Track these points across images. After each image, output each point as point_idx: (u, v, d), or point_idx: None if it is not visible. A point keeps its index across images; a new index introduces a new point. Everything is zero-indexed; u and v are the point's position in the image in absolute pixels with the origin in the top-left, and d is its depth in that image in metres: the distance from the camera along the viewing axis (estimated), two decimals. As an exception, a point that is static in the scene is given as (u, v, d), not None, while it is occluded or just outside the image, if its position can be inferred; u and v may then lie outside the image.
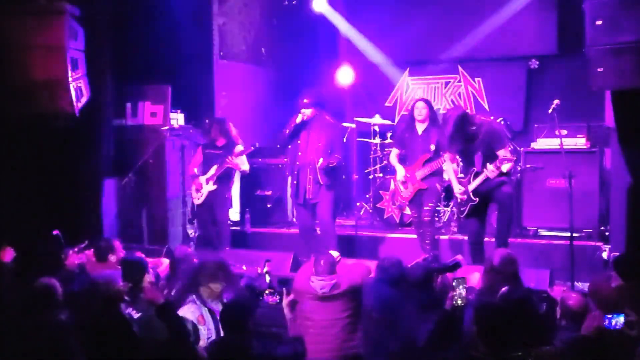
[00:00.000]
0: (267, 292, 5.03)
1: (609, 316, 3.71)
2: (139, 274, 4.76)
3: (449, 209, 7.94)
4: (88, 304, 4.33)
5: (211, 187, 7.53)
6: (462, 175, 6.54)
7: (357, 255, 7.31)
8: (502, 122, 7.96)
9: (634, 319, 3.78)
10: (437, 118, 7.03)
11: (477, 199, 6.21)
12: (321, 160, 6.88)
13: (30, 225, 6.86)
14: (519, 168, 7.32)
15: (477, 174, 6.22)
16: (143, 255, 5.39)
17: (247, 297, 4.92)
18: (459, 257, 5.05)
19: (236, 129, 7.73)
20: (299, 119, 6.97)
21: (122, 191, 7.89)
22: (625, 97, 5.68)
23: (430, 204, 6.86)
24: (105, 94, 7.60)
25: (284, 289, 4.90)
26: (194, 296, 4.68)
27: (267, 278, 5.48)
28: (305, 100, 6.96)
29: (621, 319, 3.74)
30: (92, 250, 5.82)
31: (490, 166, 6.03)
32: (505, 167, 6.09)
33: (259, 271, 6.35)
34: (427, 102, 7.03)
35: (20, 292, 4.67)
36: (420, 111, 6.88)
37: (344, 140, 7.80)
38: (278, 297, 4.96)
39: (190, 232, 8.37)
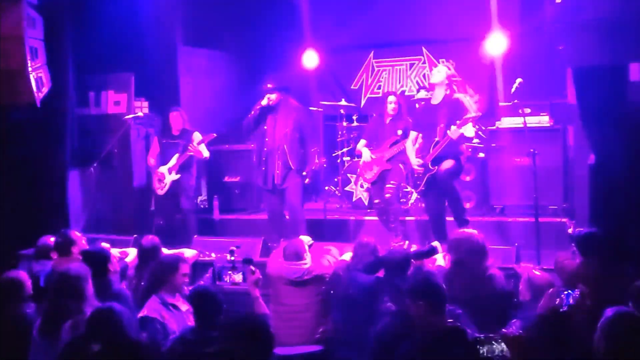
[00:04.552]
0: (230, 271, 5.03)
1: (564, 293, 3.76)
2: (101, 264, 4.73)
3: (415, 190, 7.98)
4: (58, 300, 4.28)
5: (174, 176, 7.50)
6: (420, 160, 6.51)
7: (327, 238, 7.32)
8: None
9: (588, 290, 3.85)
10: (403, 108, 7.19)
11: (436, 167, 6.23)
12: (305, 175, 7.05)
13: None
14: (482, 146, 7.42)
15: (436, 144, 6.25)
16: (108, 246, 5.35)
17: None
18: (435, 243, 5.09)
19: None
20: (264, 102, 6.97)
21: (88, 182, 7.79)
22: (585, 74, 5.74)
23: (392, 182, 6.93)
24: (67, 83, 7.50)
25: (249, 267, 4.88)
26: (155, 296, 4.60)
27: (231, 257, 5.46)
28: (269, 85, 6.96)
29: (576, 294, 3.80)
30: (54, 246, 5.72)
31: (453, 127, 6.05)
32: (468, 129, 6.11)
33: (229, 258, 6.35)
34: (396, 95, 7.25)
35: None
36: (391, 104, 7.06)
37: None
38: (242, 275, 4.95)
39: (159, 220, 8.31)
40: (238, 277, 4.99)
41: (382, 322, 4.06)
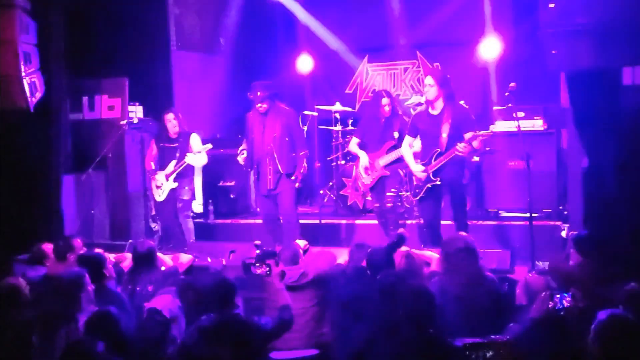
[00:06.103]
0: (257, 264, 5.09)
1: (557, 296, 3.76)
2: (96, 270, 4.73)
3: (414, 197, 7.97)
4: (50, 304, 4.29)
5: (172, 184, 7.48)
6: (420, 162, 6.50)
7: (322, 243, 7.32)
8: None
9: (580, 293, 3.87)
10: (397, 108, 7.16)
11: (438, 179, 6.20)
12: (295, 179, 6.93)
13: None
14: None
15: (439, 155, 6.19)
16: (102, 251, 5.34)
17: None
18: (401, 230, 5.06)
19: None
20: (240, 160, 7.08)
21: (82, 187, 7.78)
22: (578, 78, 5.77)
23: (392, 190, 6.91)
24: (61, 88, 7.48)
25: (273, 260, 4.91)
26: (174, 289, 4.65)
27: (256, 251, 5.50)
28: (258, 93, 6.90)
29: (569, 296, 3.81)
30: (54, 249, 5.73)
31: (460, 145, 5.97)
32: (475, 144, 6.09)
33: (224, 263, 6.35)
34: (390, 96, 7.19)
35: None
36: (385, 107, 7.03)
37: (304, 127, 7.77)
38: (267, 268, 5.00)
39: (154, 226, 8.30)
40: (262, 270, 5.08)
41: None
